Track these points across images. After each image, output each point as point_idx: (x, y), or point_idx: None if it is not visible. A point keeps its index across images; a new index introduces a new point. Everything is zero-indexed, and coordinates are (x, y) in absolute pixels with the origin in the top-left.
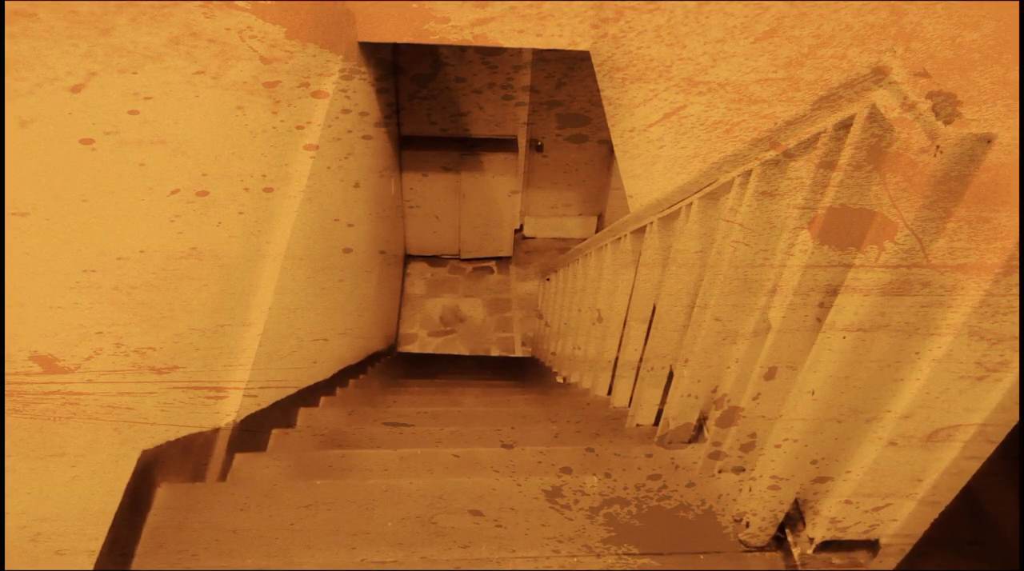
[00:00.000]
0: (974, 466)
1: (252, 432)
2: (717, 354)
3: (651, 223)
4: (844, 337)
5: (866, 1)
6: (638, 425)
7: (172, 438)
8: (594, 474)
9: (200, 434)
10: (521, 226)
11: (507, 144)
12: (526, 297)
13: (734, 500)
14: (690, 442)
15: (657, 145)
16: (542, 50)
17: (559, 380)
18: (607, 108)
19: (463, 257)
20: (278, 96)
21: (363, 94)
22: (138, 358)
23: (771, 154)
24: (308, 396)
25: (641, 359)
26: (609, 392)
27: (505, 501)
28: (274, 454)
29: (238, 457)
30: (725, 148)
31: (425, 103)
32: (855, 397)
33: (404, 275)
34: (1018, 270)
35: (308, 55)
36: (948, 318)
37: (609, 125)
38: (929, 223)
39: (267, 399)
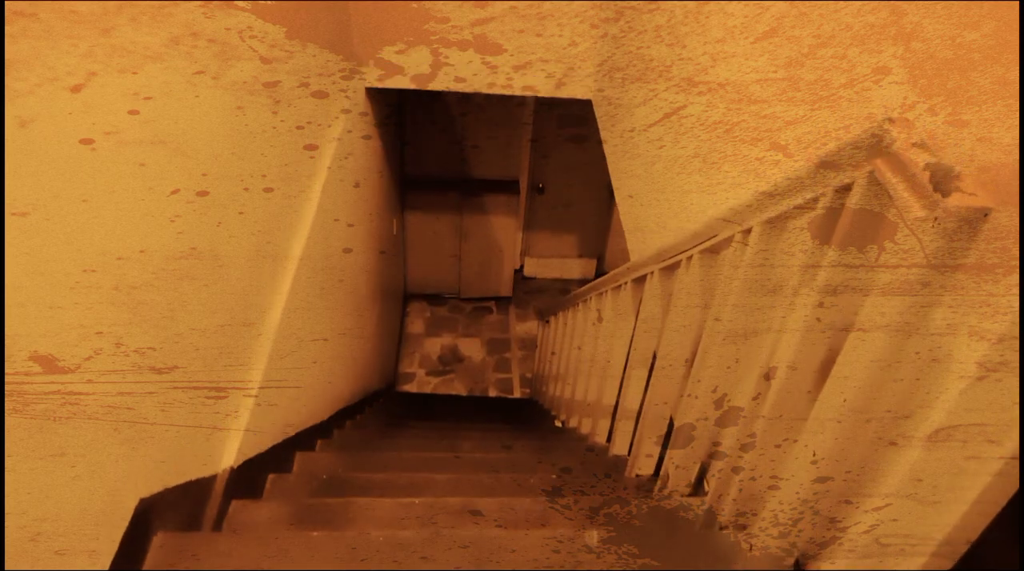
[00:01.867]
0: (974, 466)
1: (249, 476)
2: (718, 355)
3: (651, 273)
4: (844, 337)
5: (866, 1)
6: (637, 475)
7: (170, 485)
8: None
9: (197, 480)
10: (521, 266)
11: (509, 186)
12: (525, 337)
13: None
14: (691, 495)
15: (657, 145)
16: None
17: (558, 424)
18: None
19: (463, 296)
20: (278, 96)
21: (363, 94)
22: (138, 358)
23: (770, 214)
24: (305, 439)
25: (642, 405)
26: (608, 439)
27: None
28: (270, 501)
29: (234, 504)
30: (725, 148)
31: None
32: (855, 397)
33: (404, 314)
34: (1018, 270)
35: (308, 55)
36: (948, 318)
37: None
38: (929, 223)
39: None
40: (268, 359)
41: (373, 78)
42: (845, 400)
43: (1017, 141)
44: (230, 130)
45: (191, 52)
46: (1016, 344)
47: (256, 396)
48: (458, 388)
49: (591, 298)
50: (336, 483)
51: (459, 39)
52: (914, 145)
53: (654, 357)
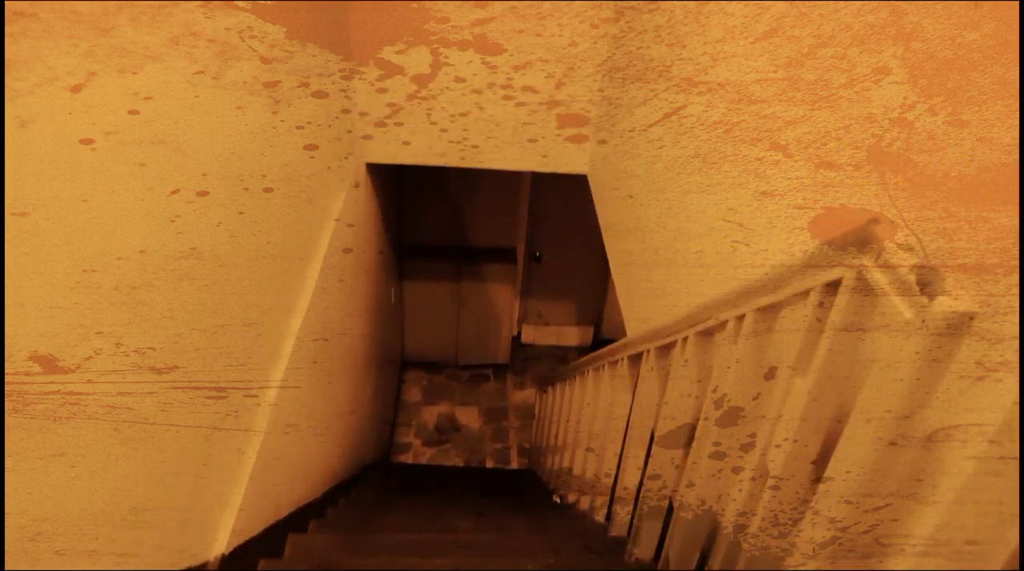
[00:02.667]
0: (974, 467)
1: (241, 563)
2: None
3: (648, 351)
4: (844, 337)
5: (866, 1)
6: (636, 559)
7: None
8: None
9: (188, 570)
10: (519, 333)
11: (506, 254)
12: (523, 405)
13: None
14: None
15: (657, 145)
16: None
17: (556, 499)
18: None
19: (460, 364)
20: (278, 96)
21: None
22: (138, 358)
23: (765, 301)
24: (298, 518)
25: (640, 485)
26: (608, 518)
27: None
28: None
29: None
30: (725, 148)
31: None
32: (855, 397)
33: (401, 381)
34: (1018, 270)
35: (308, 55)
36: (948, 318)
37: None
38: (929, 223)
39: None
40: (268, 358)
41: (373, 78)
42: (845, 400)
43: (1017, 141)
44: (230, 130)
45: (191, 52)
46: (1016, 344)
47: (256, 396)
48: (455, 459)
49: (588, 372)
50: (329, 567)
51: (459, 39)
52: (901, 247)
53: (651, 436)
